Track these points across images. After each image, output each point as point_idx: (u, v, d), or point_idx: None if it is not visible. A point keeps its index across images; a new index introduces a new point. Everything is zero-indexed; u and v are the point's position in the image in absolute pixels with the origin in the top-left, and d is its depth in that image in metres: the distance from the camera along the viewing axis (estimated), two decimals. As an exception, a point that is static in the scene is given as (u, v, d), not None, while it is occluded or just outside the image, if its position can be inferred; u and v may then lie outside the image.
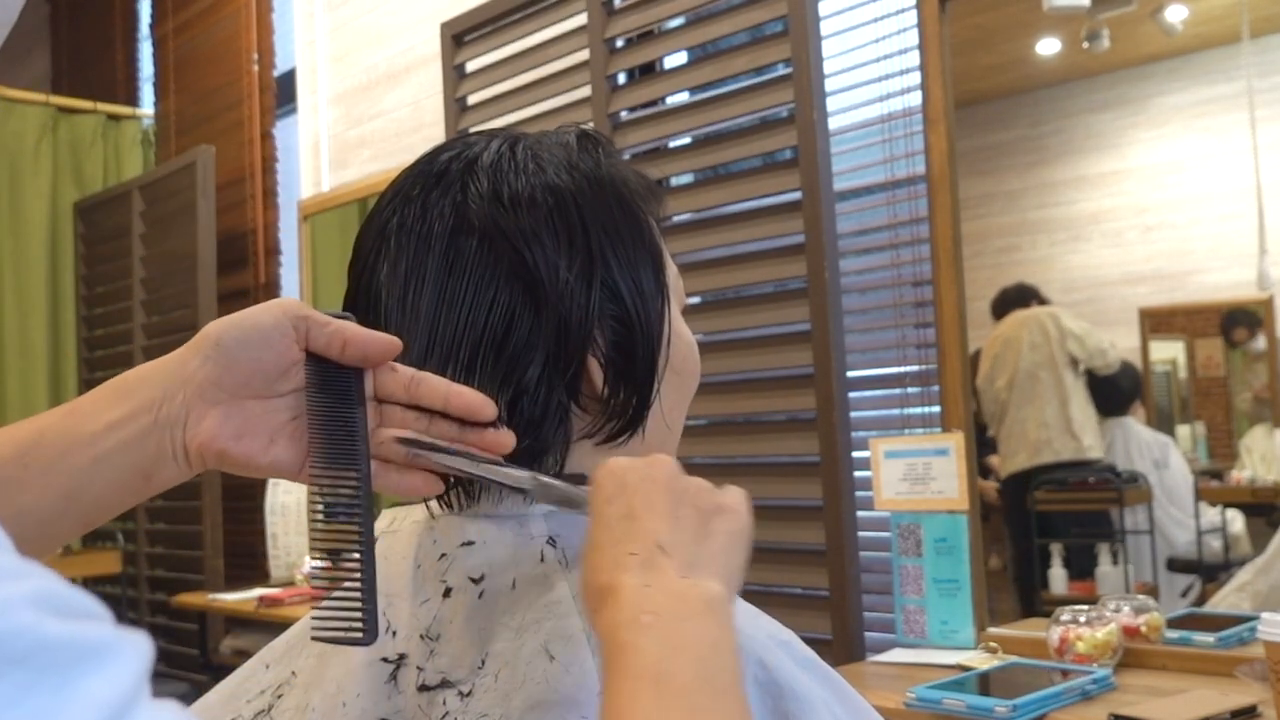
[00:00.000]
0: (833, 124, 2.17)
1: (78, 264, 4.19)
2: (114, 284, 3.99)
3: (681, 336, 0.73)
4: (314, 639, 0.59)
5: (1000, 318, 2.81)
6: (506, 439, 0.64)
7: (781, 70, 2.21)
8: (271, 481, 3.41)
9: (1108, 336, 2.75)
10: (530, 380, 0.66)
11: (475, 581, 0.66)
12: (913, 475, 1.99)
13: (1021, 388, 2.74)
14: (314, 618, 0.60)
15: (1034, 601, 2.61)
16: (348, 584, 0.59)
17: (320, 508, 0.61)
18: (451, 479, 0.67)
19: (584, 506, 0.61)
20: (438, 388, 0.63)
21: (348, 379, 0.63)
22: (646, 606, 0.53)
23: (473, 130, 0.77)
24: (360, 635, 0.58)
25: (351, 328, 0.63)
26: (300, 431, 0.63)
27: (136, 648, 0.30)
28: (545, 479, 0.64)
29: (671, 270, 0.74)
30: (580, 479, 0.64)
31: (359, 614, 0.58)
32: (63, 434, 0.61)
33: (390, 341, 0.63)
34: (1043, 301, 2.79)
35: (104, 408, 0.61)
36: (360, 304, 0.70)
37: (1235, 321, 2.69)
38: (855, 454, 2.10)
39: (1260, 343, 2.66)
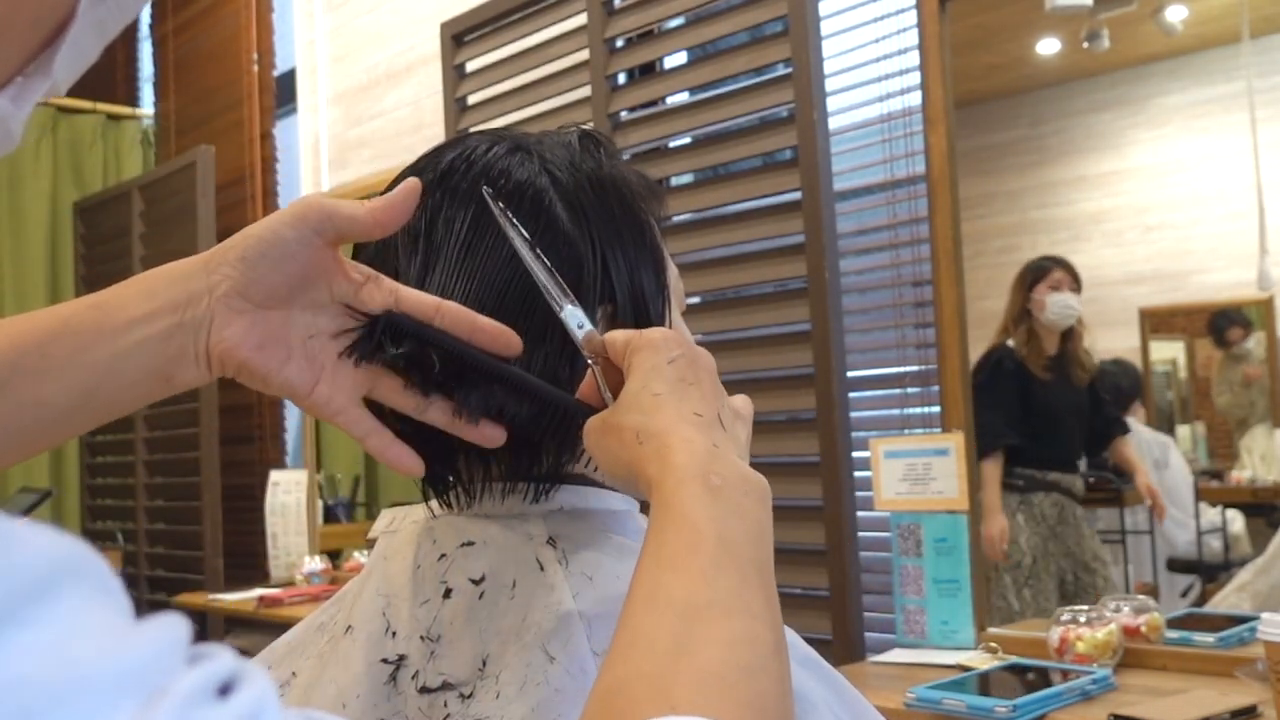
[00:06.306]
0: (833, 124, 2.17)
1: (78, 264, 4.18)
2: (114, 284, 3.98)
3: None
4: None
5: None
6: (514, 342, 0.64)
7: (781, 70, 2.21)
8: (271, 481, 3.40)
9: (1109, 336, 2.74)
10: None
11: (475, 583, 0.66)
12: (913, 475, 1.99)
13: None
14: None
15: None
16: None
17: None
18: (434, 466, 0.67)
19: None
20: (462, 315, 0.63)
21: None
22: (715, 468, 0.55)
23: (473, 130, 0.76)
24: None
25: (372, 202, 0.62)
26: (313, 354, 0.63)
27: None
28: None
29: (672, 271, 0.74)
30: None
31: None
32: (86, 326, 0.59)
33: (411, 184, 0.63)
34: None
35: (129, 304, 0.60)
36: None
37: (1230, 321, 2.69)
38: (855, 454, 2.10)
39: (1250, 343, 2.67)
